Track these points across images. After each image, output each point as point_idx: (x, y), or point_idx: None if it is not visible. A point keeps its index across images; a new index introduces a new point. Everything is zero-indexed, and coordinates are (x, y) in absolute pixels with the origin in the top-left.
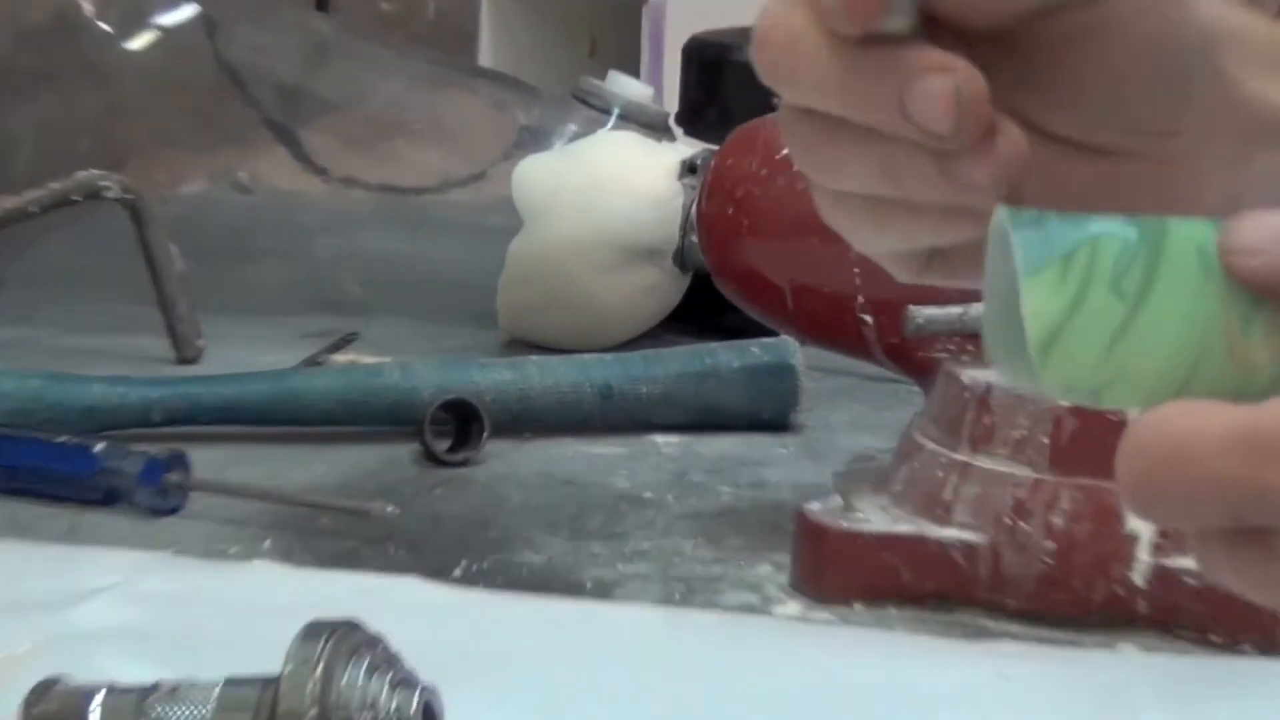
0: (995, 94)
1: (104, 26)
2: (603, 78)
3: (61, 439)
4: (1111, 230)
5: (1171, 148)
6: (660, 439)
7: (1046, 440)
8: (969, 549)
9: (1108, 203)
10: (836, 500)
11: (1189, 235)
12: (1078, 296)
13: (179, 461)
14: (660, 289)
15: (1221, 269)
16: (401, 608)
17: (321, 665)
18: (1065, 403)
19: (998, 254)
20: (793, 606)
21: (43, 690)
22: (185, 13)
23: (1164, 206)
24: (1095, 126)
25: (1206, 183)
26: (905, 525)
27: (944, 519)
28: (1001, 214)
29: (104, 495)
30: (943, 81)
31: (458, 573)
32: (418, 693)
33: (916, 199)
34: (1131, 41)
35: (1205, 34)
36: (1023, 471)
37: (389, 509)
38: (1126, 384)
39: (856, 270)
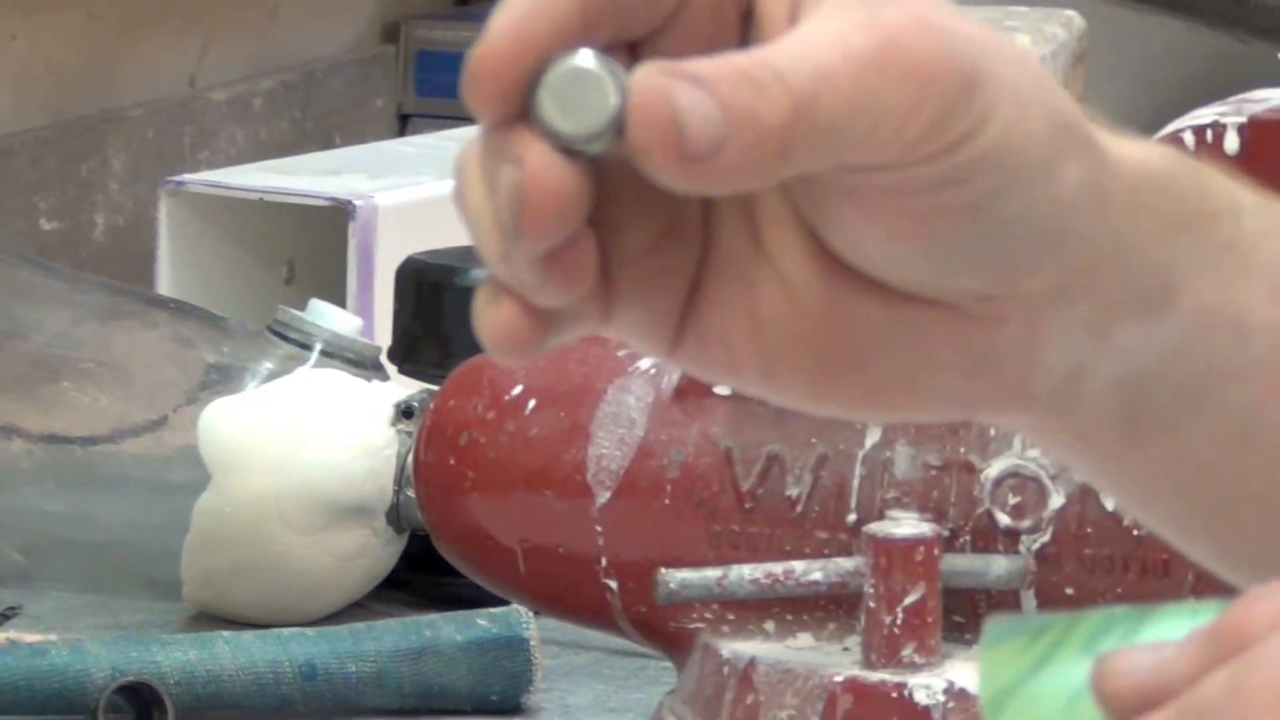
0: (783, 205)
1: None
2: (302, 307)
3: None
4: (1096, 612)
5: (1003, 308)
6: None
7: None
8: None
9: (901, 350)
10: None
11: (1184, 608)
12: (1044, 658)
13: None
14: (371, 552)
15: None
16: None
17: None
18: None
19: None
20: None
21: None
22: None
23: (979, 367)
24: (907, 273)
25: (1043, 351)
26: None
27: None
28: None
29: None
30: (510, 173)
31: None
32: None
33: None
34: (981, 221)
35: (1084, 195)
36: None
37: None
38: None
39: (599, 529)
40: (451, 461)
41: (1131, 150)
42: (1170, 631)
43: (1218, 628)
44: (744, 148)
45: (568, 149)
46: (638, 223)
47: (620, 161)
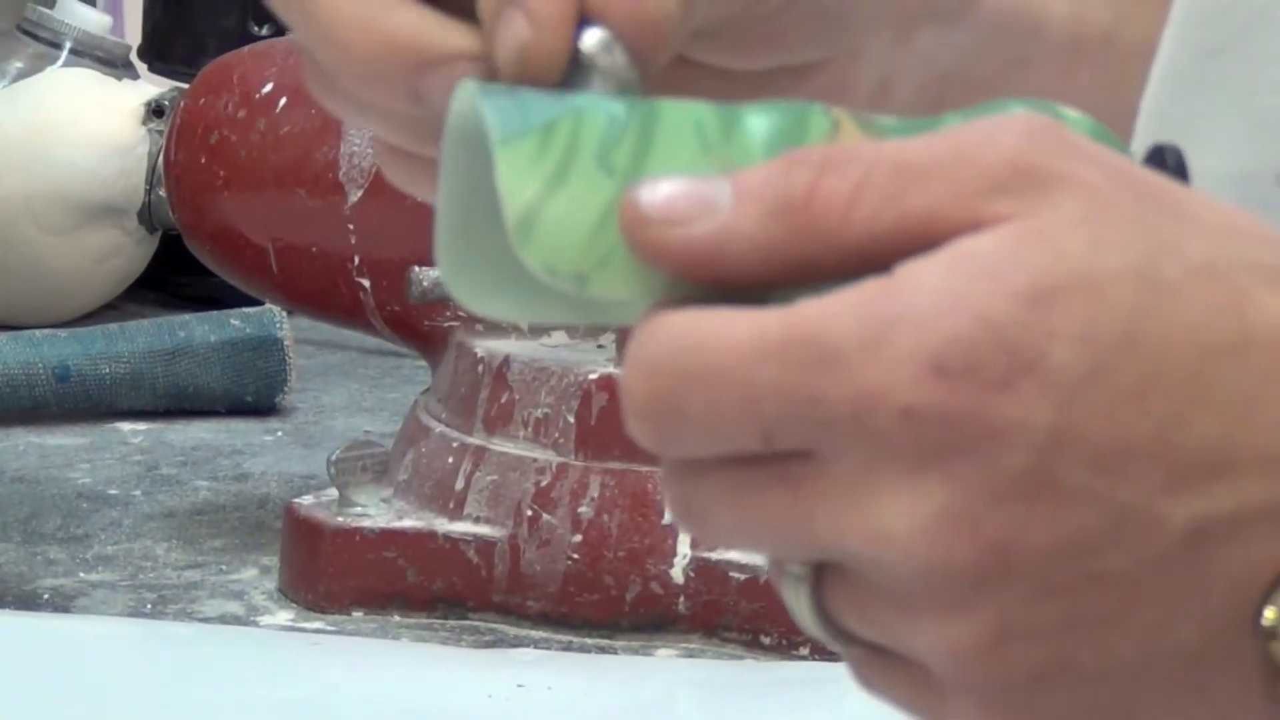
0: None
1: None
2: (52, 5)
3: None
4: (596, 104)
5: (823, 62)
6: (126, 426)
7: (572, 419)
8: (484, 545)
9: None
10: (331, 493)
11: (685, 113)
12: (560, 170)
13: None
14: (123, 252)
15: (719, 149)
16: None
17: None
18: (551, 284)
19: (458, 140)
20: (282, 615)
21: None
22: None
23: (807, 97)
24: (734, 56)
25: (858, 75)
26: (411, 520)
27: (455, 512)
28: (469, 86)
29: None
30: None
31: None
32: None
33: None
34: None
35: None
36: (546, 455)
37: None
38: (618, 268)
39: (351, 227)
40: (203, 160)
41: None
42: (684, 154)
43: (787, 193)
44: None
45: None
46: None
47: None
